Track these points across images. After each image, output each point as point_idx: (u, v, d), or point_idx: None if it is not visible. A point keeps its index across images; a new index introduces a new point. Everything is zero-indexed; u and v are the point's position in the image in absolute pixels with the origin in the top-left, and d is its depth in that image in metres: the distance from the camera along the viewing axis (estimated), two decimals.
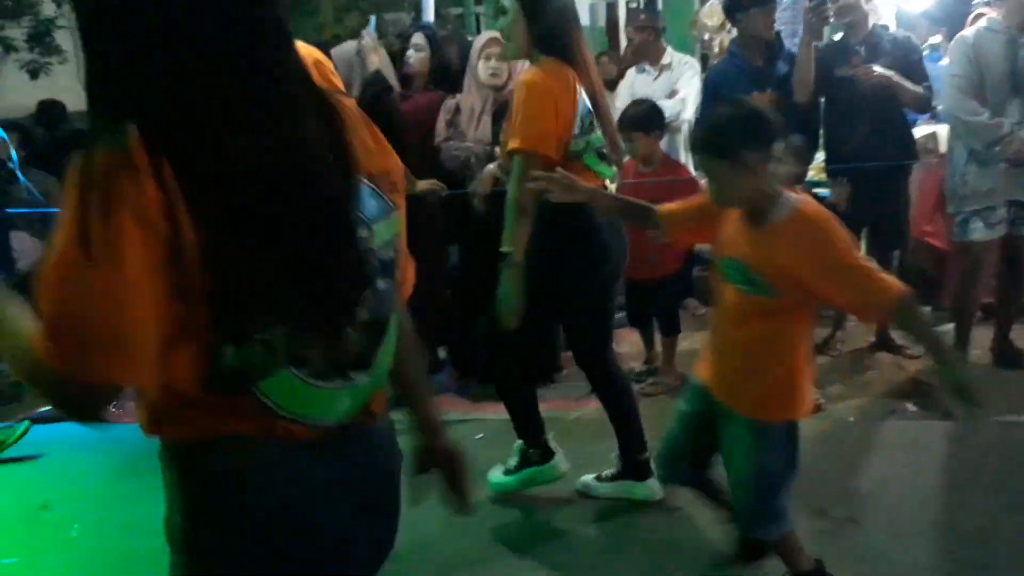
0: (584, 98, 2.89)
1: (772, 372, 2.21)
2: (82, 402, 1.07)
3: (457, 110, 4.10)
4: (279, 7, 1.12)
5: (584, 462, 3.37)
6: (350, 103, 1.25)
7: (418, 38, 4.28)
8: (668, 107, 4.61)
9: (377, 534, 1.32)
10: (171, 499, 1.19)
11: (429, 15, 5.86)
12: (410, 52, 4.19)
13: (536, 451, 3.20)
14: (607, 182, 3.10)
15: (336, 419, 1.20)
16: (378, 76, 4.05)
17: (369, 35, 4.22)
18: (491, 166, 3.98)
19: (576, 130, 2.83)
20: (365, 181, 1.18)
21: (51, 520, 3.09)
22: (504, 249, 2.81)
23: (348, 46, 4.54)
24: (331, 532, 1.22)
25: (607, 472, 3.22)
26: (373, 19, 4.45)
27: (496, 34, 4.10)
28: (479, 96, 4.05)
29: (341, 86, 3.36)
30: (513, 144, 2.81)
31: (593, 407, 3.97)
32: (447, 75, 4.23)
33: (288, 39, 1.14)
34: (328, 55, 4.18)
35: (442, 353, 4.53)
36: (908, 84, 4.09)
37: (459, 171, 4.08)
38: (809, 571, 2.41)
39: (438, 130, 4.09)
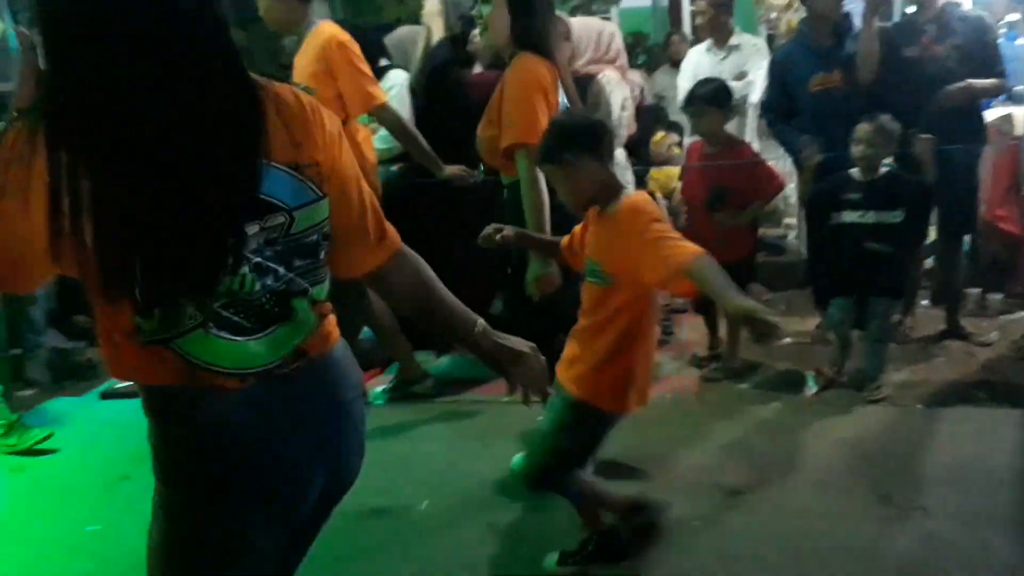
0: (562, 95, 2.93)
1: (601, 358, 2.35)
2: None
3: None
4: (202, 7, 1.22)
5: (651, 444, 3.39)
6: (289, 97, 1.35)
7: None
8: (735, 89, 4.56)
9: (328, 460, 1.45)
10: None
11: None
12: (476, 31, 4.21)
13: None
14: None
15: (257, 365, 1.34)
16: (443, 45, 4.10)
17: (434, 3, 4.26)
18: None
19: None
20: (284, 168, 1.30)
21: (131, 490, 3.21)
22: None
23: (402, 31, 4.62)
24: (271, 463, 1.37)
25: None
26: None
27: (560, 15, 4.12)
28: None
29: (364, 67, 3.46)
30: (513, 138, 2.85)
31: (660, 391, 3.98)
32: None
33: (209, 39, 1.22)
34: (380, 39, 4.29)
35: None
36: (982, 83, 3.99)
37: None
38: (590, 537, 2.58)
39: None
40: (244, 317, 1.32)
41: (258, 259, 1.31)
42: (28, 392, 4.39)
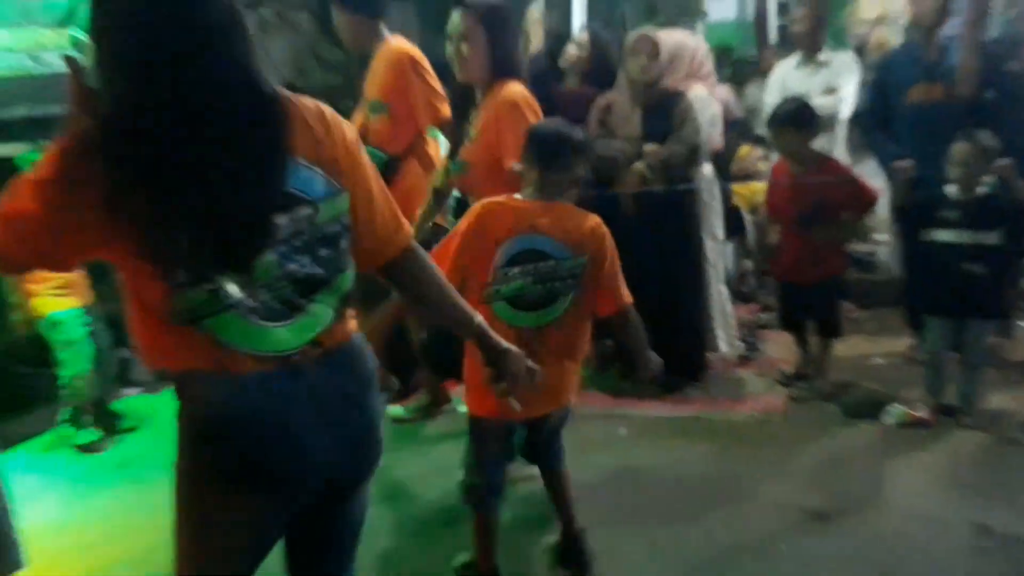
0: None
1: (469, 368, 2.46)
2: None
3: (609, 108, 4.12)
4: (226, 26, 1.40)
5: (735, 464, 3.34)
6: (311, 105, 1.53)
7: (582, 36, 4.31)
8: (825, 105, 4.47)
9: (340, 443, 1.54)
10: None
11: (579, 12, 5.89)
12: (571, 47, 4.23)
13: None
14: None
15: (279, 350, 1.47)
16: (540, 57, 4.14)
17: (535, 11, 4.29)
18: (638, 164, 3.98)
19: None
20: (308, 165, 1.47)
21: None
22: None
23: None
24: (282, 446, 1.47)
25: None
26: None
27: (648, 31, 4.12)
28: (630, 93, 4.06)
29: (434, 82, 3.53)
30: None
31: (744, 410, 3.94)
32: (605, 75, 4.25)
33: (235, 56, 1.41)
34: None
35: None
36: None
37: (607, 170, 4.09)
38: (472, 564, 2.63)
39: (589, 127, 4.11)
40: (274, 301, 1.45)
41: (286, 247, 1.45)
42: (133, 391, 4.52)
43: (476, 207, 2.43)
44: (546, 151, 2.44)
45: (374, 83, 3.59)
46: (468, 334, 1.74)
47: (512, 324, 2.37)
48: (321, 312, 1.52)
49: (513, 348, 1.75)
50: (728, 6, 10.19)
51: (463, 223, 2.42)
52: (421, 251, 1.70)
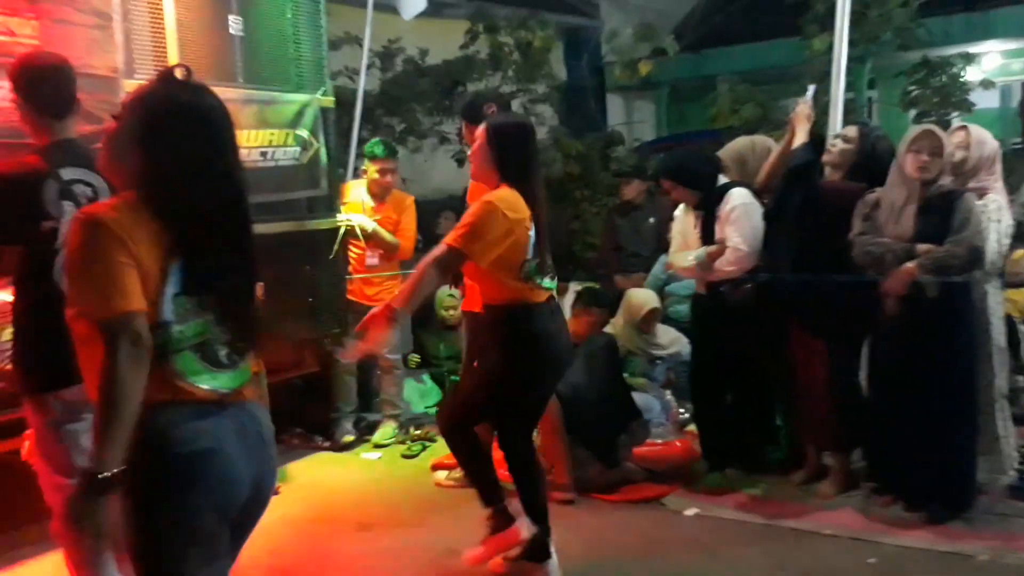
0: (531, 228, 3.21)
1: None
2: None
3: (876, 204, 3.85)
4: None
5: None
6: None
7: (851, 131, 4.11)
8: None
9: (253, 474, 1.94)
10: None
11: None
12: (836, 141, 4.03)
13: None
14: (554, 294, 3.39)
15: (220, 388, 1.90)
16: (806, 147, 4.01)
17: (805, 103, 4.15)
18: (909, 264, 3.67)
19: (528, 255, 3.18)
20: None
21: None
22: None
23: (742, 142, 4.53)
24: (224, 465, 1.87)
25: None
26: (812, 88, 4.29)
27: (930, 127, 3.84)
28: (903, 189, 3.76)
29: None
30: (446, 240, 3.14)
31: (1021, 551, 3.46)
32: (871, 170, 3.99)
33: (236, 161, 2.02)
34: (714, 157, 4.29)
35: (827, 458, 4.21)
36: None
37: (872, 267, 3.81)
38: None
39: (854, 223, 3.86)
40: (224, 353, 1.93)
41: None
42: None
43: None
44: None
45: None
46: None
47: None
48: (245, 370, 1.98)
49: None
50: (991, 96, 9.53)
51: None
52: None
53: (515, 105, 8.55)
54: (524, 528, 3.32)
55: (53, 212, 2.64)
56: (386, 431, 5.09)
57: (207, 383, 1.88)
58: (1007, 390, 4.02)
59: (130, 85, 4.05)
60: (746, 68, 8.74)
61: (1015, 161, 6.61)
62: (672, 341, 5.27)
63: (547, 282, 3.31)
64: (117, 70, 4.00)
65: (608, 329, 5.00)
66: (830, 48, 7.28)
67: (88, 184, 2.73)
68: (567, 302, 5.56)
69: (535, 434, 3.76)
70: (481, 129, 3.33)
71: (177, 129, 1.88)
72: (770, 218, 4.08)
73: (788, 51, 8.63)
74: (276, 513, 4.02)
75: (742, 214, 4.06)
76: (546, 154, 8.87)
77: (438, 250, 3.10)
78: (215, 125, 1.94)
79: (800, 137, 4.04)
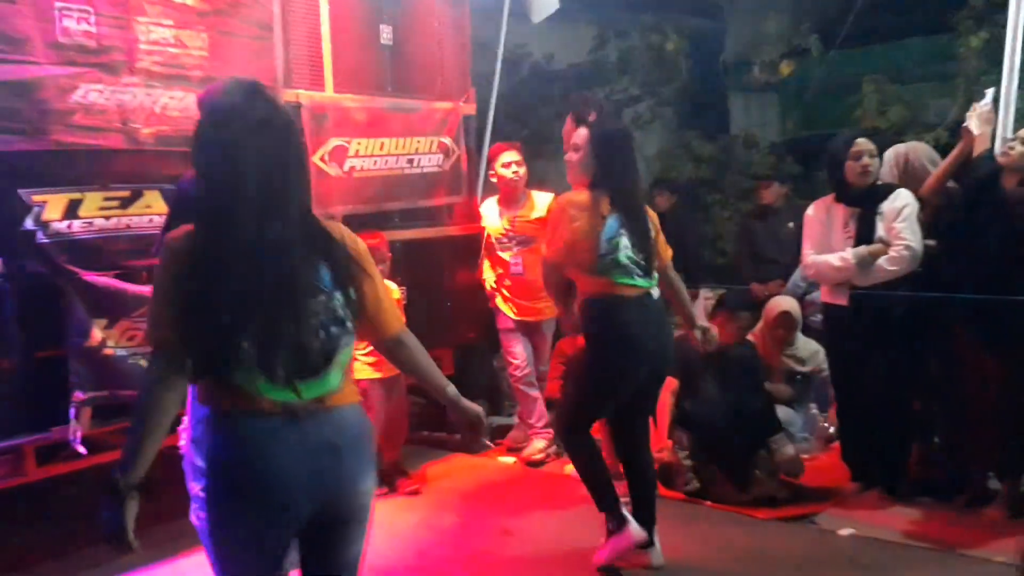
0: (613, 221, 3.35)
1: None
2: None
3: None
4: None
5: None
6: (333, 226, 2.06)
7: None
8: None
9: (315, 485, 1.92)
10: None
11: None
12: (1014, 143, 3.81)
13: None
14: (651, 291, 3.44)
15: (287, 400, 1.89)
16: (989, 156, 3.84)
17: (985, 107, 3.95)
18: None
19: (601, 251, 3.32)
20: (326, 269, 1.96)
21: None
22: None
23: (907, 146, 4.31)
24: (263, 476, 1.87)
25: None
26: (991, 92, 4.03)
27: None
28: None
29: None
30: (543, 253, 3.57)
31: None
32: None
33: (292, 196, 1.93)
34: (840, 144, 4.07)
35: (993, 482, 3.99)
36: None
37: None
38: None
39: None
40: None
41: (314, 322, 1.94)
42: None
43: None
44: None
45: None
46: (442, 399, 2.23)
47: None
48: (331, 377, 1.96)
49: (477, 410, 2.25)
50: None
51: None
52: (411, 335, 2.19)
53: (643, 108, 8.46)
54: (636, 530, 3.42)
55: None
56: (537, 445, 5.02)
57: (271, 395, 1.88)
58: None
59: (289, 94, 4.20)
60: (888, 67, 8.33)
61: None
62: (812, 354, 5.04)
63: (639, 280, 3.38)
64: (276, 79, 4.14)
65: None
66: (986, 45, 6.93)
67: None
68: (698, 308, 5.44)
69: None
70: (584, 133, 3.47)
71: None
72: (949, 230, 3.90)
73: (935, 49, 8.24)
74: (418, 515, 4.13)
75: (912, 213, 3.89)
76: (674, 158, 8.73)
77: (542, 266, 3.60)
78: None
79: (980, 144, 3.83)
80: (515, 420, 5.29)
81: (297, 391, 1.89)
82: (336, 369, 1.97)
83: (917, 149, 4.24)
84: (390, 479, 4.44)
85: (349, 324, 1.99)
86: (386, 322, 2.13)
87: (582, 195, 3.40)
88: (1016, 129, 4.02)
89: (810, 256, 4.13)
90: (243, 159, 1.84)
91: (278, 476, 1.88)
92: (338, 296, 1.97)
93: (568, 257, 3.39)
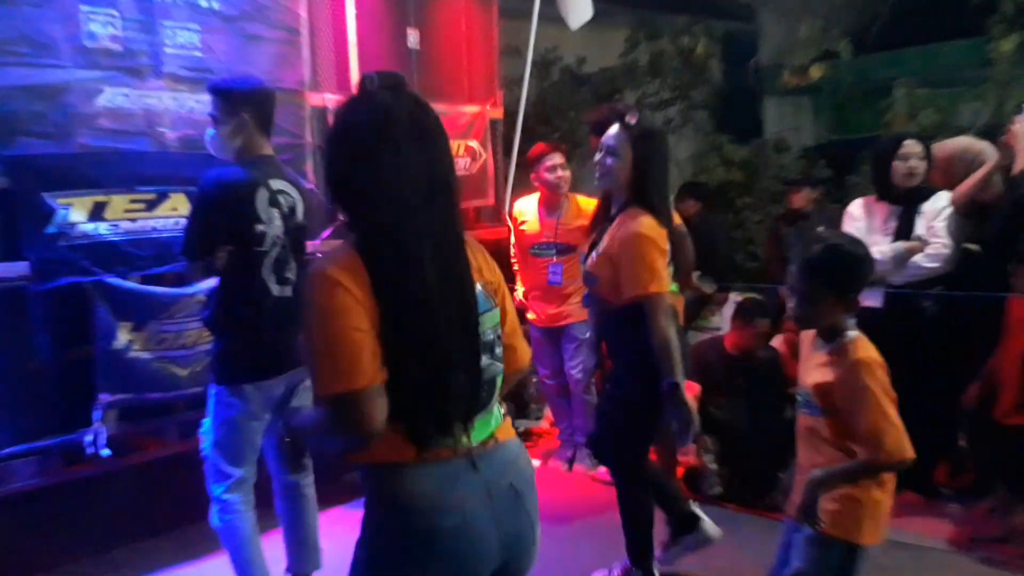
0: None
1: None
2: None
3: None
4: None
5: None
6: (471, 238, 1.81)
7: None
8: None
9: (503, 536, 1.70)
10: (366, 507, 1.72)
11: None
12: None
13: None
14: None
15: (466, 442, 1.68)
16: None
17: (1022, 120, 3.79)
18: None
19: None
20: (480, 286, 1.74)
21: None
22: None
23: (957, 143, 4.20)
24: (469, 541, 1.65)
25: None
26: None
27: None
28: None
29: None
30: (641, 290, 3.00)
31: None
32: None
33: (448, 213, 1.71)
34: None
35: None
36: None
37: None
38: None
39: None
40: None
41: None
42: None
43: None
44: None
45: None
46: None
47: None
48: (496, 409, 1.77)
49: None
50: None
51: None
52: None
53: (674, 112, 8.39)
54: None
55: (264, 217, 2.86)
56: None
57: (445, 439, 1.66)
58: None
59: (315, 99, 4.20)
60: (920, 71, 8.22)
61: None
62: None
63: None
64: (303, 84, 4.14)
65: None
66: (1018, 49, 6.82)
67: (288, 195, 2.96)
68: (726, 312, 5.38)
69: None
70: (623, 137, 3.11)
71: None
72: (995, 232, 3.82)
73: (966, 53, 8.10)
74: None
75: (952, 214, 3.89)
76: (706, 160, 8.65)
77: (649, 308, 2.97)
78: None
79: (1021, 161, 3.69)
80: (543, 424, 5.25)
81: (470, 430, 1.68)
82: (498, 400, 1.79)
83: (969, 150, 4.08)
84: None
85: (498, 350, 1.78)
86: (521, 349, 1.89)
87: (653, 222, 3.07)
88: None
89: None
90: (415, 173, 1.63)
91: (475, 535, 1.66)
92: (492, 316, 1.77)
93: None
